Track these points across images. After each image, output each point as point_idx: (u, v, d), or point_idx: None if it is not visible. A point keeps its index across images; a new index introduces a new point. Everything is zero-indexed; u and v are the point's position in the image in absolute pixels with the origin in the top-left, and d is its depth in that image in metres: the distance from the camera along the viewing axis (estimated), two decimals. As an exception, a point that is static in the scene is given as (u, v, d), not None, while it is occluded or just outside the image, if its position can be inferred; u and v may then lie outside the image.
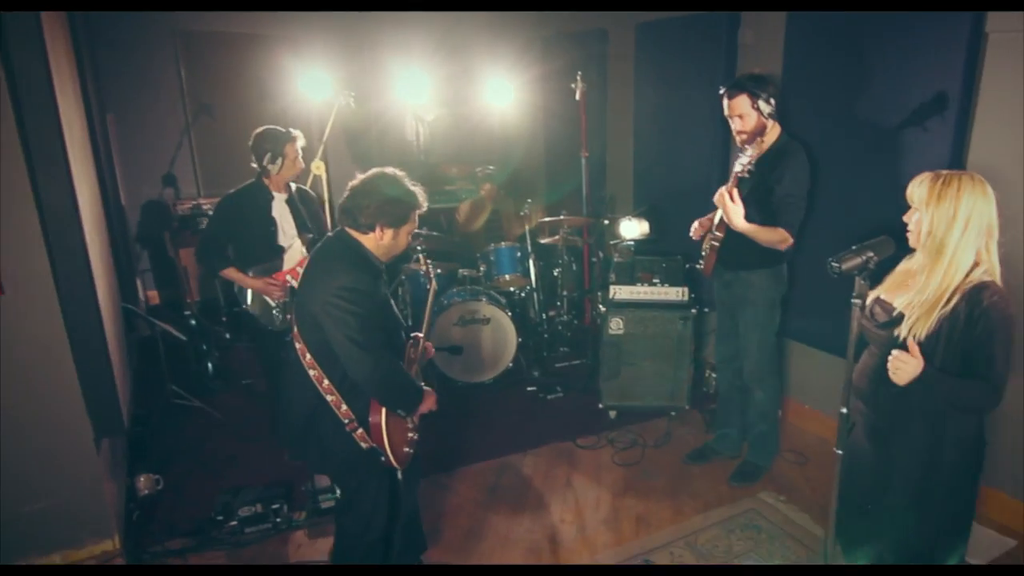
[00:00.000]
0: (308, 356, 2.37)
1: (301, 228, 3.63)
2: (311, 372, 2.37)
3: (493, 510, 3.45)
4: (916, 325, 2.00)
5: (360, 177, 2.42)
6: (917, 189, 2.04)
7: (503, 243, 5.11)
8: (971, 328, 1.95)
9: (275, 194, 3.57)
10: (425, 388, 2.56)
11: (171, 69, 6.11)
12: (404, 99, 6.00)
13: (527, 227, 5.03)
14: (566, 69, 5.07)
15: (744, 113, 3.17)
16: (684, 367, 4.12)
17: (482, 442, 4.09)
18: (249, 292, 3.61)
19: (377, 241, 2.39)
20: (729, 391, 3.74)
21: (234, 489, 3.50)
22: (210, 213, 5.75)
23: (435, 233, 4.87)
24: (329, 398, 2.37)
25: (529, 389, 4.73)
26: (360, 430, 2.39)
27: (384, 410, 2.39)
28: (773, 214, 3.18)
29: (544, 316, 5.26)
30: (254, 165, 3.53)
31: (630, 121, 5.31)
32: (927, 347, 2.01)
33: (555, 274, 5.33)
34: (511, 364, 4.73)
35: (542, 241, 5.13)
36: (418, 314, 4.98)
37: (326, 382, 2.37)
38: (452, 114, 6.95)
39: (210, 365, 4.79)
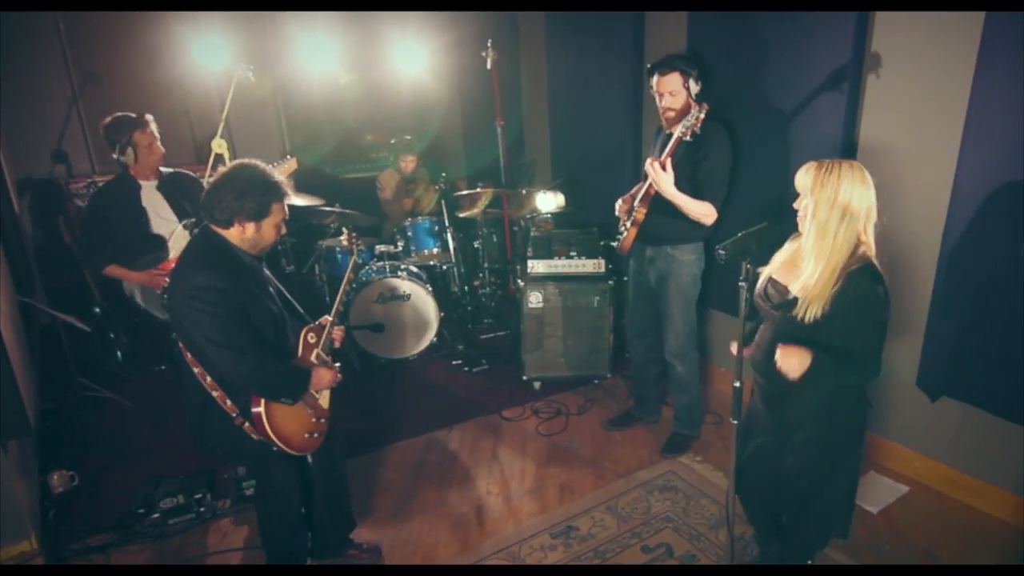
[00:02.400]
0: (188, 354, 2.40)
1: (180, 214, 3.50)
2: (195, 369, 2.40)
3: (421, 486, 3.50)
4: (811, 307, 2.15)
5: (219, 171, 2.39)
6: (803, 177, 2.19)
7: (420, 217, 5.08)
8: (852, 305, 2.12)
9: (142, 183, 3.44)
10: (321, 366, 2.55)
11: (52, 37, 5.66)
12: (309, 65, 5.79)
13: (443, 201, 5.00)
14: (478, 34, 5.02)
15: (675, 91, 3.23)
16: (604, 336, 4.24)
17: (408, 419, 4.12)
18: (138, 288, 3.48)
19: (240, 235, 2.38)
20: (643, 363, 3.84)
21: (154, 480, 3.43)
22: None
23: (348, 211, 4.78)
24: (214, 393, 2.41)
25: (454, 363, 4.77)
26: (247, 423, 2.43)
27: (263, 401, 2.39)
28: (698, 191, 3.23)
29: (467, 288, 5.29)
30: (114, 156, 3.38)
31: (544, 90, 5.31)
32: (818, 325, 2.16)
33: (476, 246, 5.34)
34: (435, 339, 4.75)
35: (460, 215, 5.12)
36: (337, 290, 4.90)
37: (208, 378, 2.40)
38: (362, 80, 6.76)
39: (119, 353, 4.60)
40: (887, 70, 3.17)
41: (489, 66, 4.91)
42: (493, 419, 4.11)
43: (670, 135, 3.24)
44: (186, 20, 5.65)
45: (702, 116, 3.04)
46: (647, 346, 3.77)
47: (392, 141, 5.57)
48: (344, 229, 3.09)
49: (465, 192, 5.10)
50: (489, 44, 4.88)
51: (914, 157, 3.12)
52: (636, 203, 3.34)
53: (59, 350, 4.24)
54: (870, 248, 2.17)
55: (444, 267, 5.13)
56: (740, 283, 2.19)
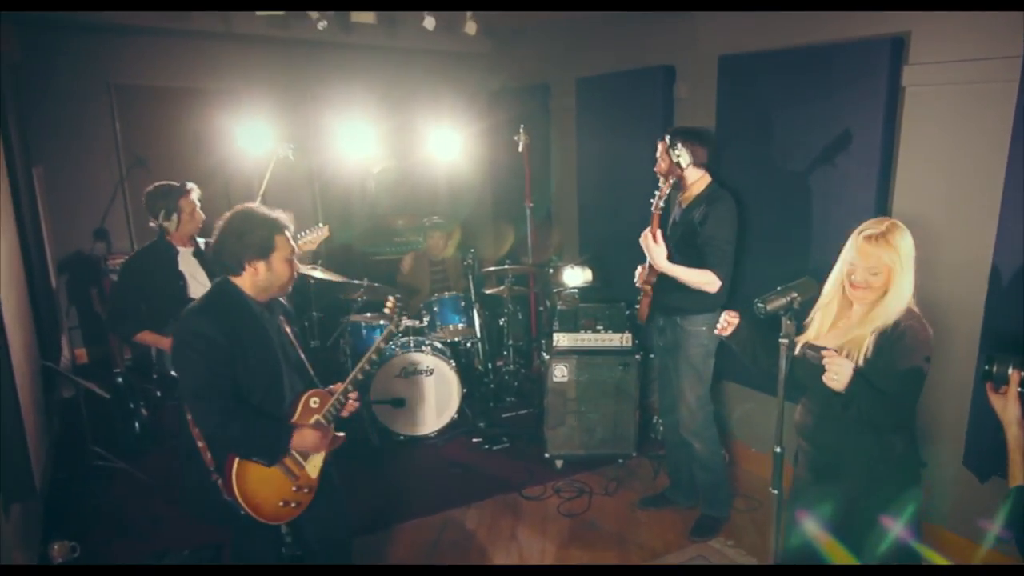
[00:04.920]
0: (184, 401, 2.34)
1: (213, 279, 3.53)
2: (188, 416, 2.32)
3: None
4: (856, 349, 2.09)
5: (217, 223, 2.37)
6: (868, 250, 2.11)
7: (447, 293, 5.05)
8: (891, 346, 2.05)
9: (180, 248, 3.49)
10: (307, 427, 2.39)
11: (106, 123, 5.95)
12: (348, 152, 5.97)
13: (471, 276, 4.99)
14: (511, 122, 5.15)
15: (660, 155, 3.34)
16: (630, 413, 4.07)
17: (424, 496, 3.95)
18: (169, 355, 3.47)
19: (253, 278, 2.33)
20: (675, 439, 3.67)
21: (158, 554, 3.32)
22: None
23: (376, 284, 4.79)
24: (199, 444, 2.32)
25: (474, 440, 4.62)
26: (220, 480, 2.31)
27: (236, 461, 2.29)
28: (701, 260, 3.21)
29: (490, 366, 5.19)
30: (152, 224, 3.45)
31: (574, 172, 5.39)
32: (866, 371, 2.06)
33: (501, 323, 5.28)
34: (456, 415, 4.62)
35: (487, 291, 5.10)
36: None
37: (196, 427, 2.31)
38: (398, 167, 6.95)
39: (137, 424, 4.55)
40: (920, 141, 3.14)
41: (521, 148, 5.01)
42: (513, 498, 3.92)
43: (676, 204, 3.33)
44: (232, 108, 5.93)
45: (665, 189, 3.19)
46: (675, 423, 3.60)
47: (423, 220, 5.65)
48: (390, 297, 2.92)
49: (491, 268, 5.09)
50: (521, 128, 5.00)
51: (951, 228, 3.04)
52: (647, 272, 3.33)
53: (78, 423, 4.20)
54: (911, 299, 2.13)
55: (468, 344, 5.05)
56: (780, 339, 2.09)
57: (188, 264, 3.50)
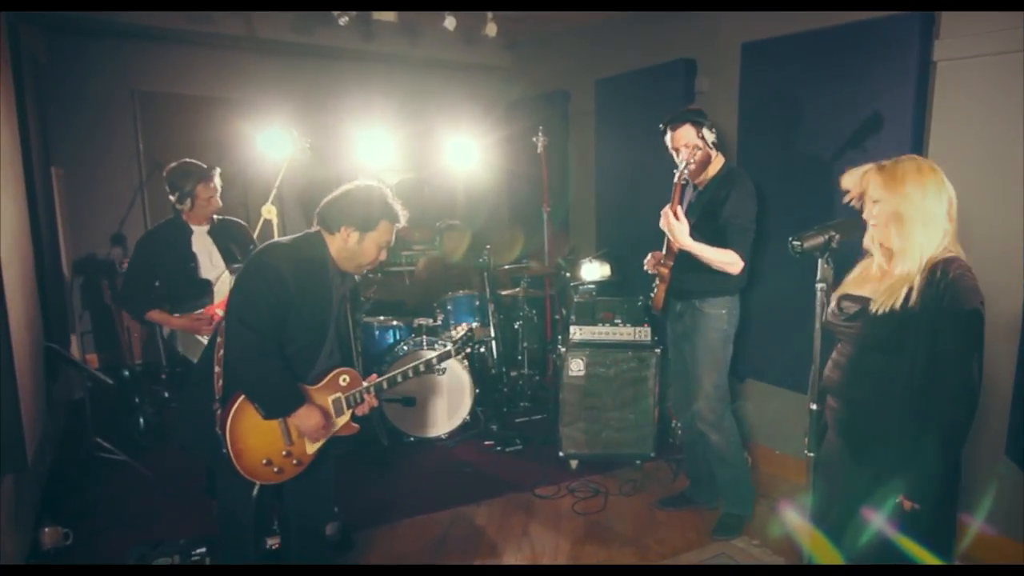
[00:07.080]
0: (224, 322, 2.32)
1: (228, 259, 3.45)
2: (220, 339, 2.32)
3: (441, 561, 3.12)
4: (885, 300, 1.90)
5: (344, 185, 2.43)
6: (869, 179, 1.99)
7: (461, 291, 4.93)
8: (939, 302, 1.86)
9: (194, 227, 3.43)
10: (317, 408, 2.37)
11: (128, 128, 5.99)
12: (366, 162, 5.93)
13: (486, 274, 4.88)
14: (530, 130, 5.11)
15: (690, 142, 3.17)
16: (649, 411, 3.89)
17: (432, 493, 3.79)
18: (179, 335, 3.39)
19: (343, 243, 2.35)
20: (692, 435, 3.48)
21: (152, 543, 3.15)
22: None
23: (390, 275, 4.69)
24: (216, 369, 2.31)
25: (486, 443, 4.45)
26: (219, 411, 2.31)
27: (238, 403, 2.29)
28: (723, 240, 3.10)
29: (504, 369, 5.04)
30: (172, 198, 3.39)
31: (592, 175, 5.30)
32: (905, 324, 1.88)
33: (516, 327, 5.14)
34: (467, 418, 4.47)
35: (503, 293, 4.98)
36: (367, 366, 4.71)
37: (222, 351, 2.30)
38: (416, 178, 6.92)
39: (142, 420, 4.44)
40: (952, 116, 3.02)
41: (539, 150, 4.94)
42: (525, 496, 3.74)
43: (690, 187, 3.22)
44: (253, 118, 5.93)
45: (709, 175, 3.14)
46: (691, 417, 3.41)
47: (437, 224, 5.58)
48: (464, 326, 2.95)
49: (508, 266, 4.98)
50: (540, 130, 4.94)
51: (987, 207, 2.90)
52: (663, 257, 3.20)
53: (83, 418, 4.10)
54: (954, 245, 1.95)
55: (482, 348, 4.91)
56: (817, 284, 1.95)
57: (202, 243, 3.45)
